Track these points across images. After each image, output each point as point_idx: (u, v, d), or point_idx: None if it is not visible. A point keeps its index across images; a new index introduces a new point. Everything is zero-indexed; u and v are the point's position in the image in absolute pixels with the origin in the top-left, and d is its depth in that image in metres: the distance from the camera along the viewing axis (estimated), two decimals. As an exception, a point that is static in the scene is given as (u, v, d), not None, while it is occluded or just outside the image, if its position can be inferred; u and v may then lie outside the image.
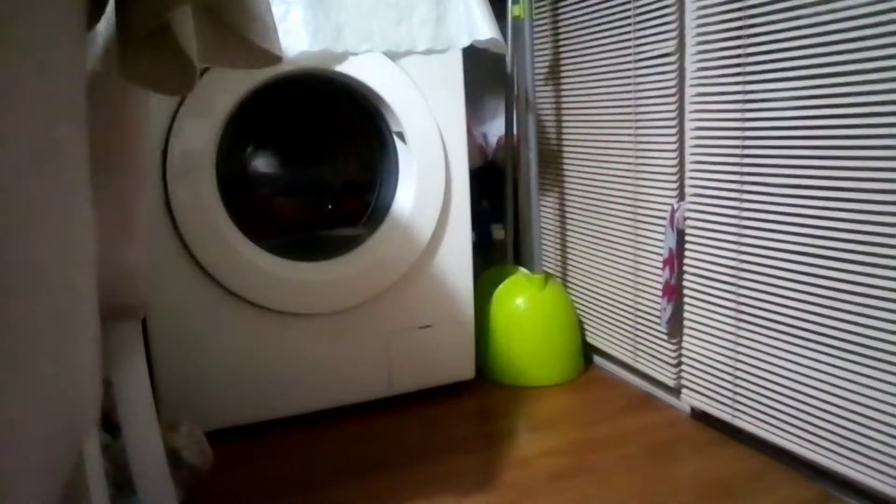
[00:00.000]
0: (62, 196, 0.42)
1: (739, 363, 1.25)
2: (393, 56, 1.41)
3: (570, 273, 1.78)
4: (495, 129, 1.98)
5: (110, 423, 1.00)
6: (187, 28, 0.56)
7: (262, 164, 1.56)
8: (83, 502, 0.46)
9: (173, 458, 1.04)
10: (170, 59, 0.57)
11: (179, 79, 0.59)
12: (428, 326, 1.54)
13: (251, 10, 0.73)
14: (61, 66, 0.41)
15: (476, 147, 1.92)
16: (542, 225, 1.85)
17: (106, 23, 0.60)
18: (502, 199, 1.88)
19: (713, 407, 1.32)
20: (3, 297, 0.36)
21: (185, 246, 1.32)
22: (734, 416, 1.27)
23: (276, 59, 0.79)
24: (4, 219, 0.36)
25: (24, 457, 0.37)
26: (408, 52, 1.41)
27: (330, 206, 1.60)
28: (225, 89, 1.31)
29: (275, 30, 0.77)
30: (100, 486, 0.51)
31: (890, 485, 1.00)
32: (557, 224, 1.80)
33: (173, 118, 1.28)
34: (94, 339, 0.48)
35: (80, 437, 0.45)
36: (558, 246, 1.82)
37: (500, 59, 1.79)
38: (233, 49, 0.76)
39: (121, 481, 0.90)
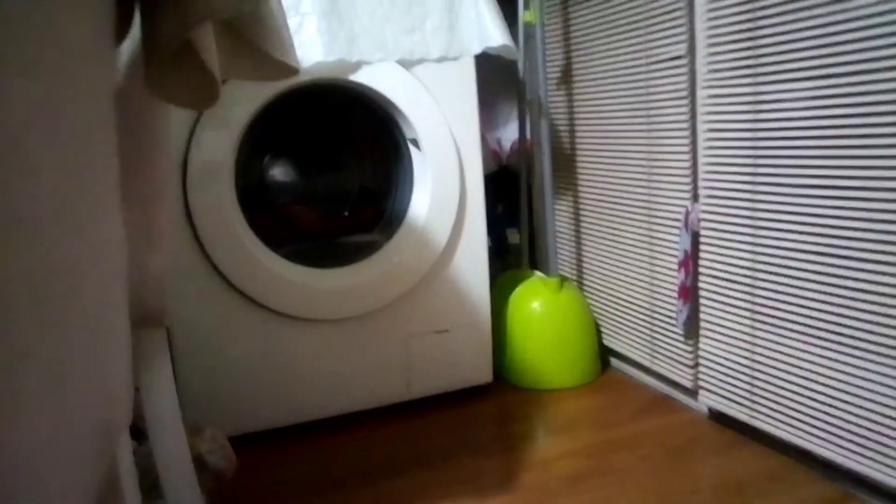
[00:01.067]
0: (96, 200, 0.43)
1: (756, 363, 1.25)
2: (406, 64, 1.43)
3: (585, 276, 1.78)
4: (509, 133, 2.00)
5: (135, 429, 1.02)
6: (209, 43, 0.58)
7: (279, 173, 1.59)
8: (118, 501, 0.48)
9: (197, 462, 1.06)
10: (193, 75, 0.59)
11: (202, 93, 0.61)
12: (445, 331, 1.56)
13: (268, 24, 0.75)
14: (94, 79, 0.43)
15: (490, 152, 1.94)
16: (557, 228, 1.86)
17: (130, 41, 0.62)
18: (517, 204, 1.89)
19: (731, 407, 1.32)
20: (45, 300, 0.37)
21: (206, 255, 1.34)
22: (752, 417, 1.28)
23: (293, 71, 0.81)
24: (45, 222, 0.37)
25: (64, 458, 0.39)
26: (421, 60, 1.43)
27: (346, 213, 1.62)
28: (242, 101, 1.33)
29: (291, 43, 0.79)
30: (132, 485, 0.53)
31: (909, 482, 1.00)
32: (572, 227, 1.81)
33: (192, 130, 1.31)
34: (126, 342, 0.49)
35: (114, 438, 0.47)
36: (573, 249, 1.82)
37: (512, 63, 1.80)
38: (250, 62, 0.78)
39: (147, 485, 0.92)
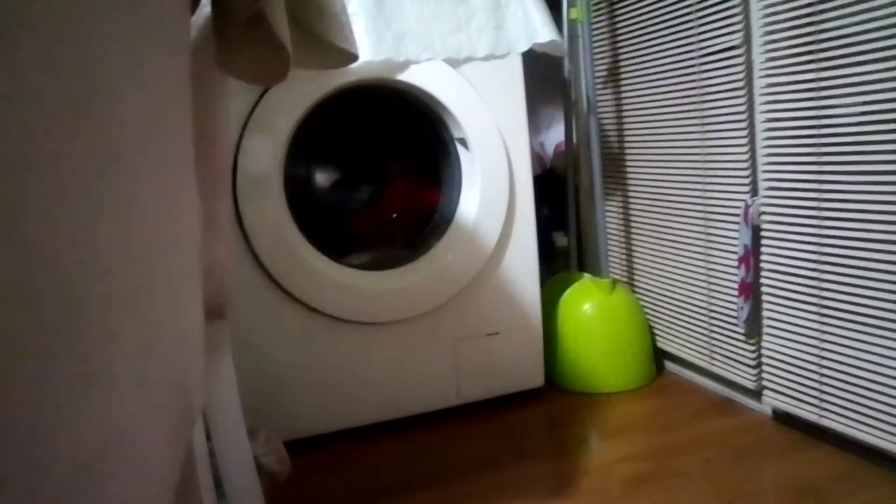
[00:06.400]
0: (182, 178, 0.42)
1: (825, 360, 1.20)
2: (453, 63, 1.42)
3: (637, 277, 1.74)
4: (552, 137, 1.97)
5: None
6: (280, 16, 0.57)
7: (327, 174, 1.58)
8: (195, 488, 0.46)
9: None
10: (263, 50, 0.58)
11: (273, 68, 0.59)
12: (496, 334, 1.53)
13: (328, 11, 0.74)
14: (174, 46, 0.42)
15: (534, 156, 1.91)
16: (607, 229, 1.82)
17: (194, 21, 0.62)
18: (562, 207, 1.86)
19: (797, 407, 1.27)
20: (142, 284, 0.36)
21: (256, 258, 1.34)
22: (821, 416, 1.23)
23: (353, 57, 0.79)
24: (143, 198, 0.36)
25: (153, 434, 0.37)
26: (468, 59, 1.42)
27: (395, 215, 1.61)
28: (287, 106, 1.33)
29: (350, 29, 0.78)
30: (206, 474, 0.51)
31: None
32: (622, 228, 1.78)
33: (240, 139, 1.30)
34: (200, 328, 0.48)
35: (191, 423, 0.45)
36: (623, 250, 1.79)
37: (554, 66, 1.78)
38: (311, 50, 0.77)
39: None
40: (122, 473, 0.34)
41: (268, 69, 0.60)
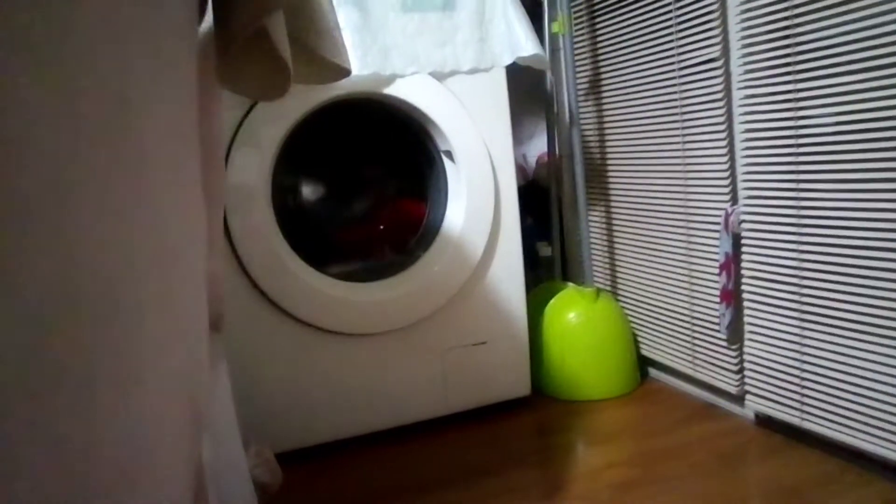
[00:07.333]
0: (190, 184, 0.44)
1: (806, 364, 1.23)
2: (439, 76, 1.44)
3: (620, 286, 1.77)
4: (533, 148, 2.00)
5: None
6: (281, 33, 0.58)
7: (314, 187, 1.59)
8: (205, 498, 0.47)
9: (246, 476, 1.05)
10: (264, 66, 0.59)
11: (273, 83, 0.61)
12: (482, 343, 1.54)
13: (322, 26, 0.76)
14: (185, 59, 0.43)
15: (517, 167, 1.93)
16: (590, 239, 1.85)
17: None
18: (545, 217, 1.88)
19: (780, 411, 1.30)
20: (167, 295, 0.37)
21: (245, 271, 1.34)
22: (802, 419, 1.25)
23: (346, 72, 0.81)
24: (157, 196, 0.37)
25: (169, 443, 0.38)
26: (453, 72, 1.44)
27: (382, 227, 1.62)
28: (275, 119, 1.34)
29: (343, 44, 0.80)
30: (214, 485, 0.52)
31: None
32: (605, 237, 1.80)
33: (228, 151, 1.31)
34: (206, 331, 0.49)
35: (200, 433, 0.46)
36: (607, 259, 1.81)
37: (535, 79, 1.81)
38: (303, 65, 0.78)
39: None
40: (150, 481, 0.35)
41: (268, 84, 0.61)
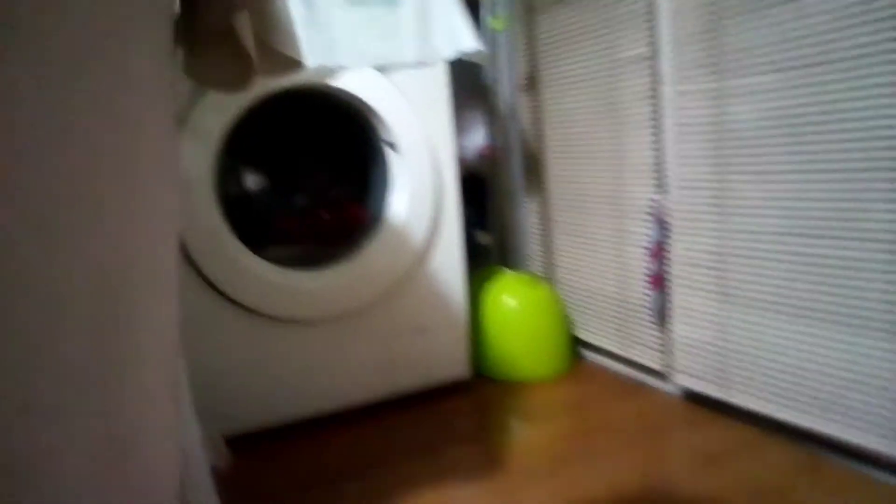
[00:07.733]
0: (169, 173, 0.47)
1: (728, 342, 1.33)
2: (383, 70, 1.48)
3: (556, 272, 1.85)
4: (471, 140, 2.06)
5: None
6: (246, 28, 0.62)
7: (260, 177, 1.61)
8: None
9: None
10: (229, 60, 0.63)
11: (236, 75, 0.64)
12: (425, 328, 1.60)
13: (278, 21, 0.79)
14: (164, 51, 0.47)
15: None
16: (527, 227, 1.92)
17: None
18: (484, 207, 1.95)
19: (704, 386, 1.40)
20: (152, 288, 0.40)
21: (190, 259, 1.36)
22: (725, 394, 1.35)
23: (298, 64, 0.85)
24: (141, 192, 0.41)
25: (164, 427, 0.42)
26: (397, 66, 1.48)
27: (327, 217, 1.65)
28: (219, 109, 1.36)
29: (296, 37, 0.83)
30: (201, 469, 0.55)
31: (874, 442, 1.09)
32: (541, 226, 1.88)
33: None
34: (178, 318, 0.53)
35: (182, 417, 0.50)
36: (543, 247, 1.89)
37: (472, 73, 1.87)
38: (260, 57, 0.81)
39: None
40: (146, 459, 0.39)
41: (231, 76, 0.65)
